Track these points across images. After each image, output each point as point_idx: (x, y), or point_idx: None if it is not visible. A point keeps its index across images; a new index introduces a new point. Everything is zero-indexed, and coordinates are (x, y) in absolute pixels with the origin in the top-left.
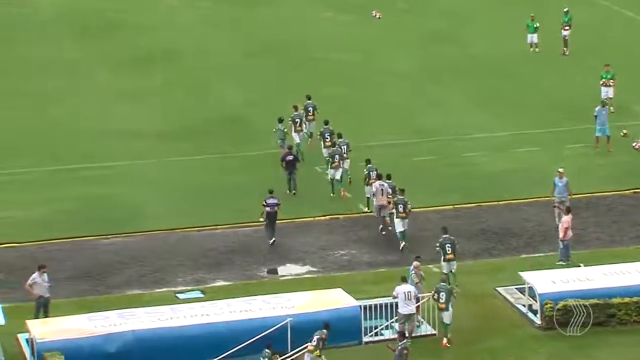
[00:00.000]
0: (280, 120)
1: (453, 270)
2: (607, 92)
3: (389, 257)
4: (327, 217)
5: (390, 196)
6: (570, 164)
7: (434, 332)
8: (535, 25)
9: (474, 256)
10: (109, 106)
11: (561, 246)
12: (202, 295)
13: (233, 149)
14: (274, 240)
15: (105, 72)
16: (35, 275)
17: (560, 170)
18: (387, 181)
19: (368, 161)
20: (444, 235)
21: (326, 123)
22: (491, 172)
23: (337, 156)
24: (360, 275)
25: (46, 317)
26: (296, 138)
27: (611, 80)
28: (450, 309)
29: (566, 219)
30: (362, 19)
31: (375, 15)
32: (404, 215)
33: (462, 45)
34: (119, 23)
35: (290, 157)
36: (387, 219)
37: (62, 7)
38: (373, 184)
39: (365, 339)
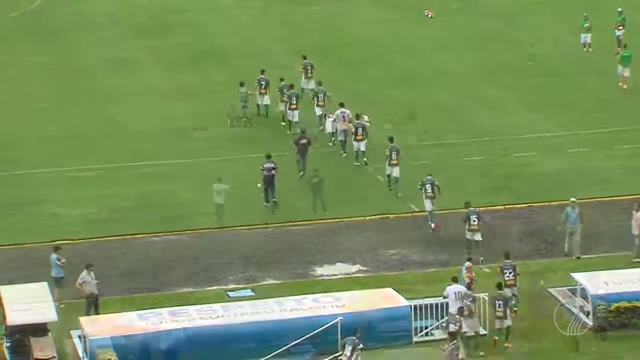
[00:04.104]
0: (242, 84)
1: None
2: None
3: (440, 256)
4: (378, 216)
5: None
6: (623, 164)
7: (484, 331)
8: (588, 25)
9: (525, 257)
10: (164, 105)
11: (637, 243)
12: (252, 294)
13: (286, 148)
14: (275, 202)
15: (162, 70)
16: (84, 273)
17: (573, 199)
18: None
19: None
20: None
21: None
22: (542, 172)
23: (293, 98)
24: (411, 275)
25: (96, 314)
26: (259, 100)
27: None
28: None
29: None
30: (414, 18)
31: (428, 14)
32: (360, 137)
33: (514, 44)
34: (174, 22)
35: (303, 141)
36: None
37: (119, 7)
38: (335, 112)
39: (415, 339)
